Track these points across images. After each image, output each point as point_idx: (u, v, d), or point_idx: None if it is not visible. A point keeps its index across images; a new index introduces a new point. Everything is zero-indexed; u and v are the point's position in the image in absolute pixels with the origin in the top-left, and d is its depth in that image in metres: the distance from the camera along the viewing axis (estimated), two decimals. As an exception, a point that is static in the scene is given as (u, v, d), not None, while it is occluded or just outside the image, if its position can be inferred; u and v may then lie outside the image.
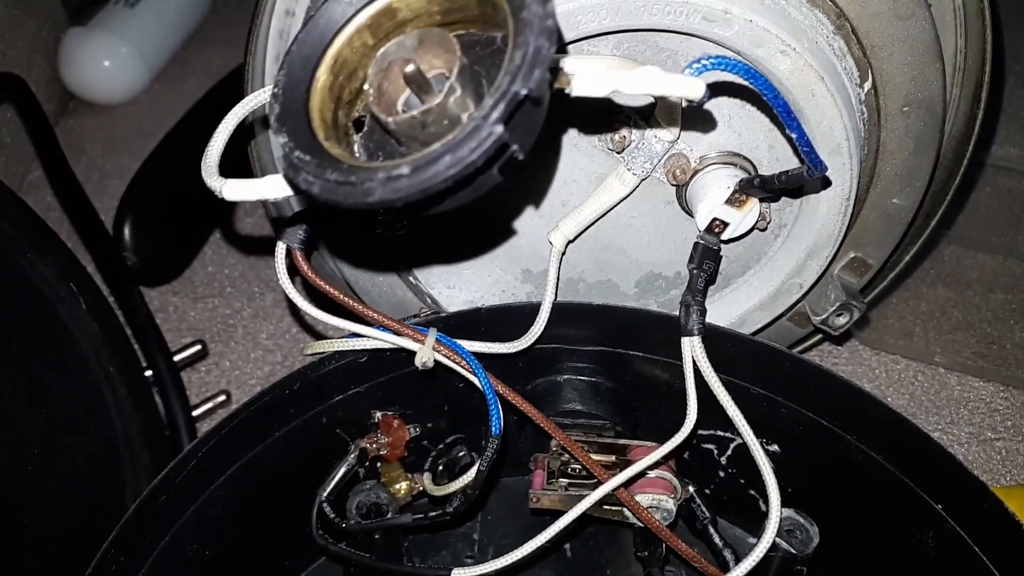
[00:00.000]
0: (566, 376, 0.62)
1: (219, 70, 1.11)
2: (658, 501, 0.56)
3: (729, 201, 0.55)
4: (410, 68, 0.34)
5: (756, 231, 0.60)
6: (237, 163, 0.46)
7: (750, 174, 0.58)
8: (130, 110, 1.20)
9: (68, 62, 1.16)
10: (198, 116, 0.94)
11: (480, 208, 0.61)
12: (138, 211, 0.80)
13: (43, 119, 0.86)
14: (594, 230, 0.61)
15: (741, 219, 0.56)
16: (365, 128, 0.38)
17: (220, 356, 0.85)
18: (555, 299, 0.56)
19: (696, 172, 0.58)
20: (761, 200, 0.56)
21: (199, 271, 0.93)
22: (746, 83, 0.42)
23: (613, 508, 0.56)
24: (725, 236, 0.57)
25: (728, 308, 0.65)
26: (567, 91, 0.35)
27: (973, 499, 0.50)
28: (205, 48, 1.31)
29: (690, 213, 0.59)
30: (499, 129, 0.30)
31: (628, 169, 0.58)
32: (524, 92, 0.30)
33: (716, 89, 0.54)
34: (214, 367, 0.84)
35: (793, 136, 0.44)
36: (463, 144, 0.30)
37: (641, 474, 0.55)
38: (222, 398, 0.79)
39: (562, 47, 0.33)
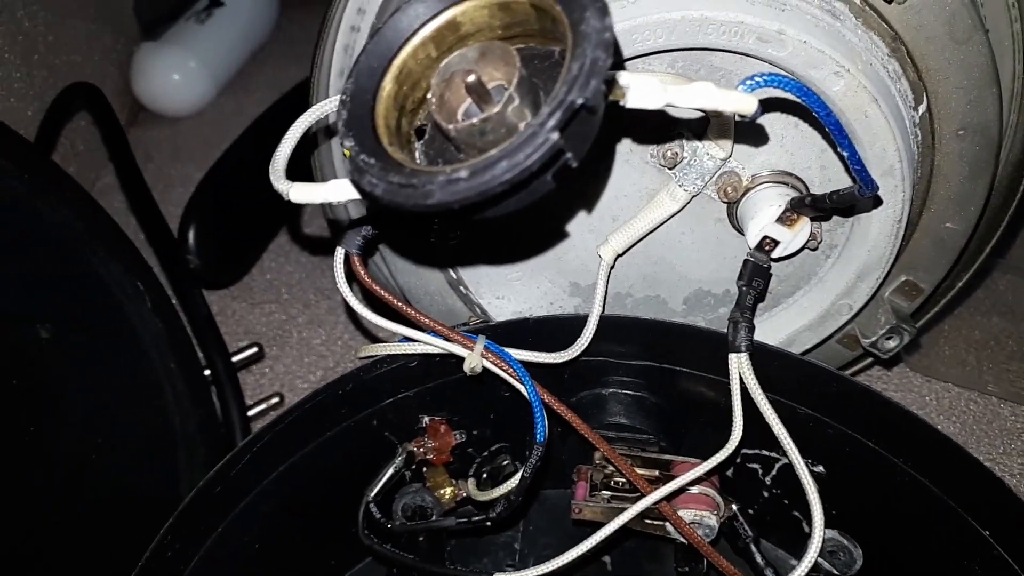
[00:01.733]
0: (611, 389, 0.63)
1: (282, 85, 1.14)
2: (701, 517, 0.56)
3: (780, 219, 0.56)
4: (471, 78, 0.35)
5: (807, 250, 0.60)
6: (299, 173, 0.48)
7: (801, 193, 0.58)
8: (196, 122, 1.25)
9: (139, 75, 1.22)
10: (262, 128, 0.98)
11: (531, 220, 0.63)
12: (202, 217, 0.84)
13: (117, 126, 0.90)
14: (643, 245, 0.62)
15: (792, 238, 0.56)
16: (426, 136, 0.40)
17: (275, 360, 0.87)
18: (603, 312, 0.57)
19: (748, 190, 0.58)
20: (812, 219, 0.57)
21: (258, 278, 0.97)
22: (798, 100, 0.42)
23: (655, 522, 0.56)
24: (775, 254, 0.57)
25: (777, 327, 0.65)
26: (622, 103, 0.37)
27: (1022, 526, 0.49)
28: (269, 65, 1.36)
29: (740, 231, 0.60)
30: (555, 136, 0.31)
31: (679, 185, 0.58)
32: (580, 101, 0.31)
33: (768, 106, 0.54)
34: (268, 370, 0.86)
35: (845, 154, 0.44)
36: (520, 150, 0.32)
37: (684, 489, 0.55)
38: (275, 400, 0.81)
39: (619, 62, 0.34)
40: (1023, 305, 0.87)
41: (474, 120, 0.35)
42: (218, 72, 1.27)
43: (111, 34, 1.21)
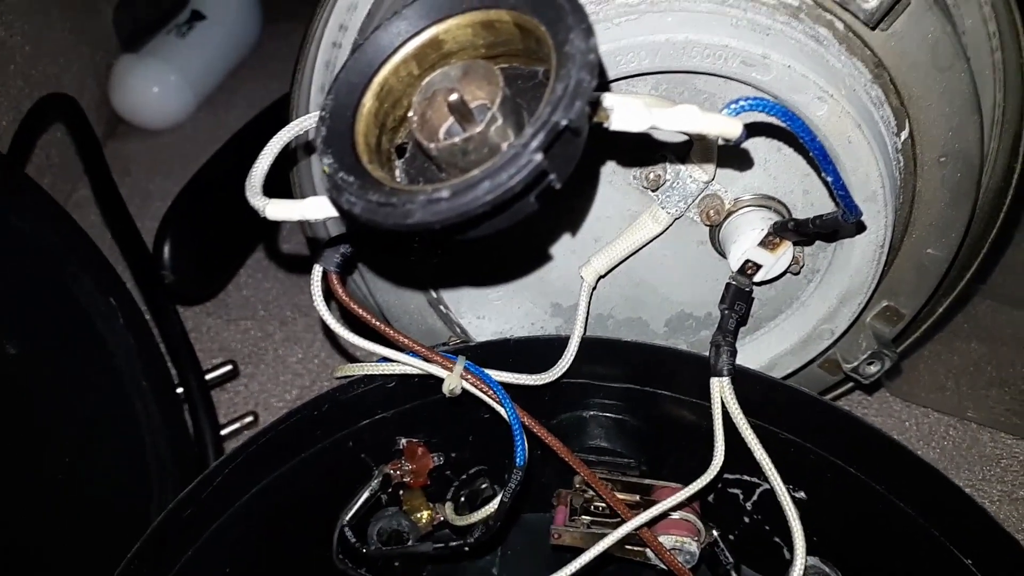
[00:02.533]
0: (592, 412, 0.62)
1: (262, 100, 1.13)
2: (681, 543, 0.55)
3: (763, 243, 0.56)
4: (454, 97, 0.34)
5: (789, 275, 0.60)
6: (278, 190, 0.47)
7: (784, 217, 0.58)
8: (175, 135, 1.24)
9: (118, 87, 1.20)
10: (241, 142, 0.97)
11: (513, 241, 0.62)
12: (178, 232, 0.82)
13: (92, 139, 0.89)
14: (625, 267, 0.61)
15: (774, 262, 0.56)
16: (407, 154, 0.39)
17: (250, 378, 0.86)
18: (584, 333, 0.57)
19: (730, 213, 0.58)
20: (795, 244, 0.57)
21: (234, 294, 0.95)
22: (783, 125, 0.42)
23: (635, 548, 0.56)
24: (758, 278, 0.57)
25: (758, 351, 0.65)
26: (606, 125, 0.36)
27: (1004, 556, 0.49)
28: (250, 79, 1.35)
29: (723, 254, 0.60)
30: (538, 157, 0.31)
31: (662, 208, 0.58)
32: (564, 122, 0.31)
33: (753, 130, 0.54)
34: (243, 388, 0.85)
35: (829, 180, 0.44)
36: (502, 170, 0.31)
37: (664, 515, 0.55)
38: (250, 419, 0.80)
39: (603, 84, 0.34)
40: (1002, 331, 0.87)
41: (456, 140, 0.34)
42: (198, 86, 1.26)
43: (90, 46, 1.19)
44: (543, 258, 0.64)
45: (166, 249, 0.80)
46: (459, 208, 0.31)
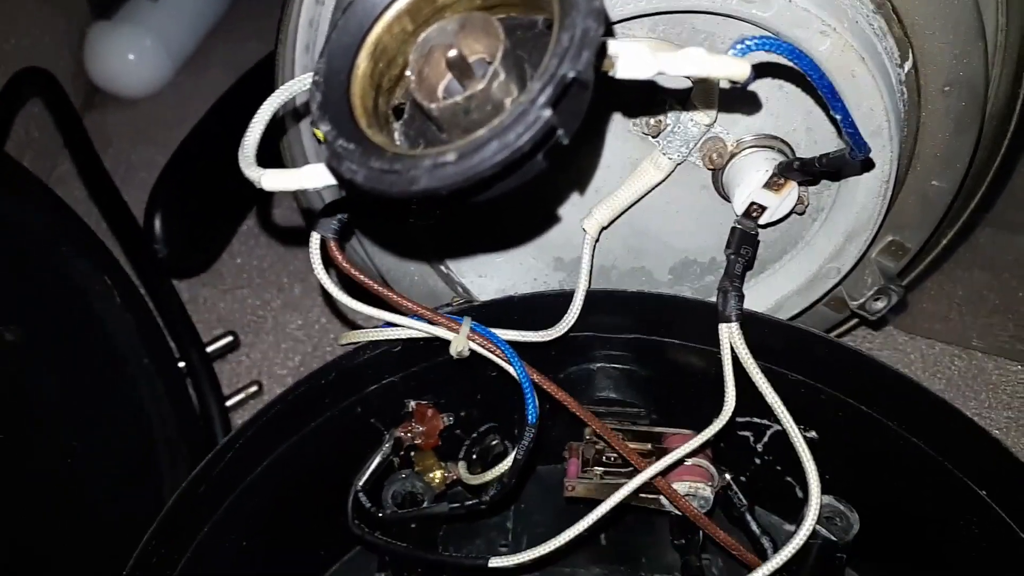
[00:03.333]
0: (600, 364, 0.62)
1: (242, 61, 1.10)
2: (695, 489, 0.55)
3: (767, 185, 0.55)
4: (452, 53, 0.33)
5: (794, 215, 0.59)
6: (267, 159, 0.45)
7: (788, 157, 0.57)
8: (155, 102, 1.21)
9: (93, 56, 1.17)
10: (225, 108, 0.94)
11: (514, 196, 0.61)
12: (168, 204, 0.80)
13: (72, 112, 0.87)
14: (628, 216, 0.60)
15: (779, 203, 0.55)
16: (406, 115, 0.38)
17: (251, 347, 0.85)
18: (589, 287, 0.56)
19: (733, 156, 0.57)
20: (800, 183, 0.56)
21: (228, 263, 0.94)
22: (791, 64, 0.41)
23: (649, 496, 0.56)
24: (763, 220, 0.56)
25: (765, 293, 0.64)
26: (611, 73, 0.35)
27: (1018, 484, 0.49)
28: (228, 40, 1.31)
29: (726, 198, 0.59)
30: (547, 113, 0.30)
31: (663, 154, 0.57)
32: (572, 75, 0.30)
33: (758, 71, 0.53)
34: (245, 358, 0.84)
35: (838, 118, 0.43)
36: (510, 129, 0.30)
37: (677, 462, 0.55)
38: (254, 388, 0.79)
39: (608, 29, 0.32)
40: (1004, 258, 0.87)
41: (457, 98, 0.33)
42: (175, 49, 1.22)
43: (61, 15, 1.16)
44: (544, 213, 0.63)
45: (157, 223, 0.78)
46: (467, 172, 0.30)
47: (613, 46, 0.34)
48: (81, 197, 0.94)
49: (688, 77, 0.44)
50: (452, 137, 0.34)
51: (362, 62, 0.36)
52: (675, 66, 0.35)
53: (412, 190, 0.31)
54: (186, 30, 1.25)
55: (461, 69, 0.34)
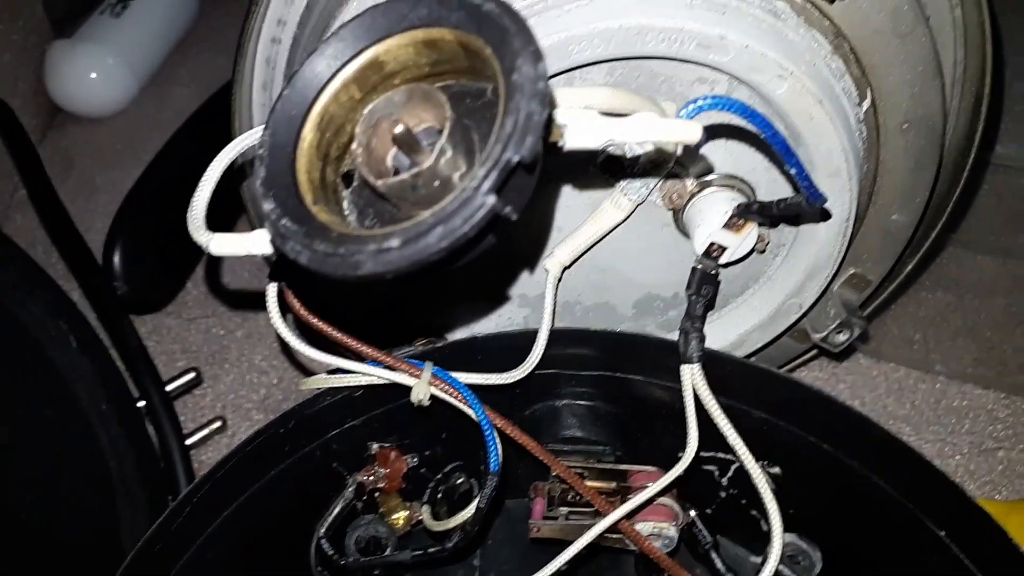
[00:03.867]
0: (565, 401, 0.61)
1: (206, 77, 1.09)
2: (660, 529, 0.56)
3: (727, 225, 0.55)
4: (399, 129, 0.33)
5: (755, 253, 0.59)
6: (228, 205, 0.45)
7: (748, 198, 0.57)
8: (118, 122, 1.18)
9: (54, 75, 1.15)
10: (186, 136, 0.92)
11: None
12: (128, 238, 0.79)
13: (27, 143, 0.84)
14: (591, 253, 0.60)
15: (739, 243, 0.55)
16: (354, 184, 0.37)
17: (215, 379, 0.84)
18: (552, 326, 0.56)
19: (693, 196, 0.57)
20: (759, 224, 0.56)
21: (191, 291, 0.92)
22: (744, 122, 0.41)
23: (614, 536, 0.56)
24: (723, 260, 0.56)
25: (727, 328, 0.64)
26: (560, 143, 0.34)
27: (976, 526, 0.50)
28: (191, 55, 1.29)
29: (688, 236, 0.59)
30: (491, 200, 0.29)
31: (623, 194, 0.57)
32: (516, 159, 0.29)
33: (712, 131, 0.53)
34: (209, 390, 0.83)
35: (792, 172, 0.43)
36: (455, 215, 0.29)
37: (642, 504, 0.55)
38: (217, 424, 0.78)
39: (552, 106, 0.32)
40: (967, 278, 0.88)
41: (404, 176, 0.32)
42: (138, 67, 1.20)
43: (20, 32, 1.13)
44: (506, 252, 0.62)
45: (116, 257, 0.77)
46: (411, 257, 0.29)
47: (562, 115, 0.34)
48: (40, 227, 0.92)
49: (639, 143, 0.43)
50: (400, 208, 0.34)
51: (308, 133, 0.35)
52: (625, 133, 0.35)
53: (356, 274, 0.30)
54: (150, 47, 1.23)
55: (408, 144, 0.33)
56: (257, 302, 0.91)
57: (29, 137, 0.85)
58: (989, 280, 0.88)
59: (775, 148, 0.42)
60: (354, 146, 0.34)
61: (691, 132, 0.37)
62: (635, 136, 0.35)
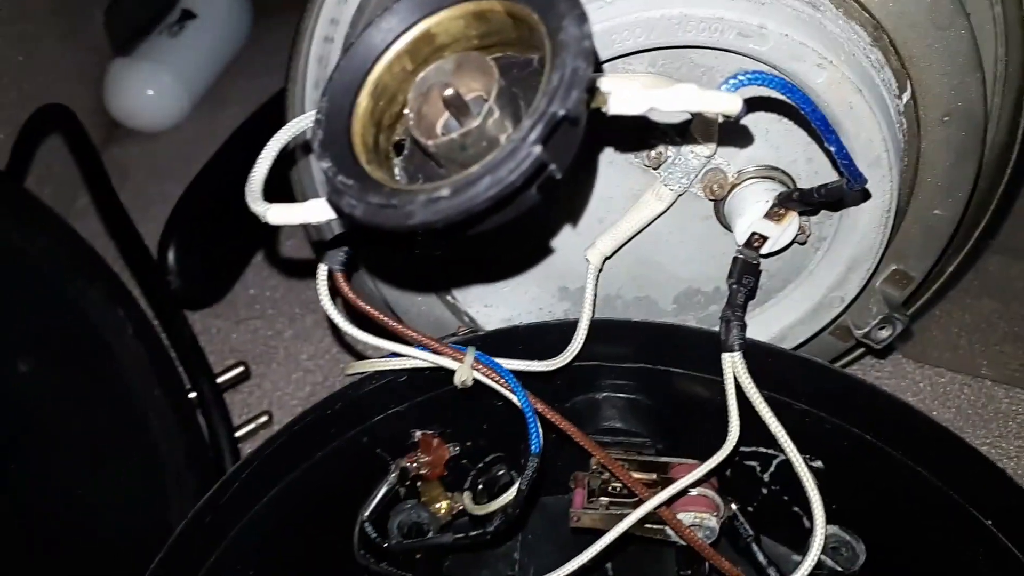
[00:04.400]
0: (605, 393, 0.62)
1: (258, 97, 1.13)
2: (700, 519, 0.55)
3: (768, 215, 0.55)
4: (449, 92, 0.34)
5: (796, 244, 0.60)
6: (279, 189, 0.47)
7: (788, 188, 0.57)
8: (173, 137, 1.23)
9: (113, 92, 1.20)
10: (239, 142, 0.96)
11: (517, 227, 0.62)
12: (182, 236, 0.82)
13: (90, 148, 0.89)
14: (631, 246, 0.61)
15: (780, 233, 0.56)
16: (405, 151, 0.39)
17: (262, 377, 0.86)
18: (592, 316, 0.56)
19: (734, 186, 0.58)
20: (800, 214, 0.56)
21: (241, 294, 0.95)
22: (783, 98, 0.42)
23: (655, 527, 0.56)
24: (764, 250, 0.56)
25: (768, 323, 0.64)
26: (604, 109, 0.36)
27: (1024, 515, 0.49)
28: (244, 75, 1.34)
29: (728, 228, 0.59)
30: (537, 149, 0.30)
31: (665, 185, 0.58)
32: (562, 113, 0.30)
33: (753, 104, 0.53)
34: (256, 388, 0.85)
35: (832, 149, 0.44)
36: (502, 165, 0.31)
37: (683, 492, 0.55)
38: (264, 419, 0.80)
39: (598, 67, 0.33)
40: (1013, 285, 0.87)
41: (454, 135, 0.34)
42: (193, 85, 1.25)
43: (82, 51, 1.19)
44: (548, 243, 0.63)
45: (170, 255, 0.80)
46: (460, 206, 0.31)
47: (605, 83, 0.35)
48: (100, 231, 0.96)
49: (684, 112, 0.45)
50: (450, 172, 0.35)
51: (363, 100, 0.37)
52: (667, 102, 0.36)
53: (408, 224, 0.32)
54: (204, 66, 1.28)
55: (457, 107, 0.35)
56: (303, 304, 0.93)
57: (91, 141, 0.89)
58: (1036, 287, 0.86)
59: (815, 124, 0.42)
60: (406, 111, 0.36)
61: (732, 103, 0.38)
62: (676, 105, 0.36)
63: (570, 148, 0.33)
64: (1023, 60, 0.60)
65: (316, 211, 0.39)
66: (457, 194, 0.31)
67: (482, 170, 0.31)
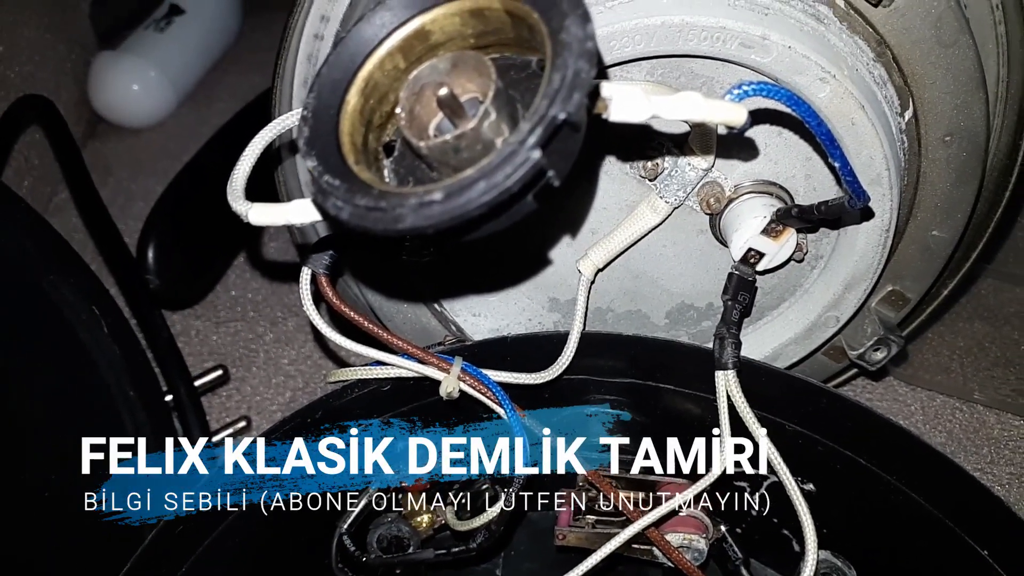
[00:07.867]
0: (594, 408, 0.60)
1: (245, 94, 1.11)
2: (689, 541, 0.54)
3: (765, 231, 0.54)
4: (443, 92, 0.33)
5: (792, 262, 0.59)
6: (263, 189, 0.45)
7: (786, 203, 0.56)
8: (157, 133, 1.21)
9: (97, 85, 1.17)
10: (223, 140, 0.94)
11: (508, 235, 0.61)
12: (162, 234, 0.80)
13: (70, 141, 0.87)
14: (624, 259, 0.60)
15: (777, 250, 0.55)
16: (395, 152, 0.37)
17: (241, 381, 0.84)
18: (583, 329, 0.55)
19: (731, 201, 0.57)
20: (798, 230, 0.55)
21: (222, 295, 0.93)
22: (788, 110, 0.40)
23: (642, 547, 0.54)
24: (761, 267, 0.55)
25: (762, 341, 0.63)
26: (604, 115, 0.34)
27: (1019, 543, 0.48)
28: (231, 72, 1.32)
29: (724, 243, 0.58)
30: (536, 154, 0.29)
31: (660, 197, 0.56)
32: (563, 116, 0.29)
33: (753, 117, 0.52)
34: (235, 392, 0.83)
35: (836, 165, 0.42)
36: (498, 169, 0.29)
37: (671, 513, 0.53)
38: (242, 424, 0.78)
39: (601, 71, 0.32)
40: (1005, 309, 0.86)
41: (447, 137, 0.32)
42: (179, 81, 1.23)
43: (66, 43, 1.16)
44: (540, 253, 0.62)
45: (150, 253, 0.78)
46: (453, 211, 0.29)
47: (607, 88, 0.34)
48: (79, 225, 0.94)
49: (684, 121, 0.43)
50: (442, 176, 0.34)
51: (352, 98, 0.35)
52: (670, 110, 0.35)
53: (397, 228, 0.30)
54: (191, 62, 1.26)
55: (452, 108, 0.33)
56: (285, 307, 0.91)
57: (71, 134, 0.87)
58: (1028, 312, 0.86)
59: (820, 139, 0.41)
60: (398, 111, 0.34)
61: (736, 113, 0.37)
62: (680, 113, 0.35)
63: (570, 155, 0.32)
64: (1025, 81, 0.59)
65: (300, 212, 0.38)
66: (450, 198, 0.29)
67: (477, 174, 0.29)
